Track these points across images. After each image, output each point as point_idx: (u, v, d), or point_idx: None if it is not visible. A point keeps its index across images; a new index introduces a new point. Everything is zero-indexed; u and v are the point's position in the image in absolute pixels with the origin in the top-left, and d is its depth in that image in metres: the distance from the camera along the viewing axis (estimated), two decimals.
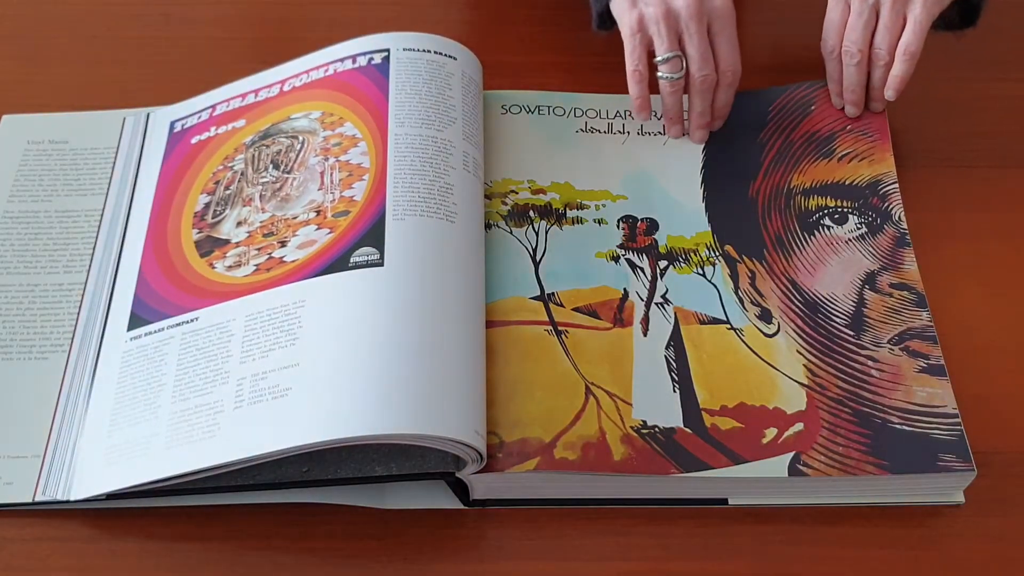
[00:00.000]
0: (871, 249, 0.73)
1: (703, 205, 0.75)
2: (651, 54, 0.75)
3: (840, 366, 0.67)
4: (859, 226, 0.74)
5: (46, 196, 0.76)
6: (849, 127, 0.79)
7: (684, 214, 0.75)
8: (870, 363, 0.67)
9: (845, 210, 0.75)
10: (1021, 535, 0.63)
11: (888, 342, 0.68)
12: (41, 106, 0.82)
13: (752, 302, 0.70)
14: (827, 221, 0.74)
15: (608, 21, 0.78)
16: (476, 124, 0.76)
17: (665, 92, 0.77)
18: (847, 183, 0.76)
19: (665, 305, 0.70)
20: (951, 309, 0.70)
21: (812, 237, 0.73)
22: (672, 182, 0.77)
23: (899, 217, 0.74)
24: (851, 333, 0.69)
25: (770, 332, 0.69)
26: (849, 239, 0.73)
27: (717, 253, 0.73)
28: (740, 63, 0.75)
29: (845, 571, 0.62)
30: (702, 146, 0.79)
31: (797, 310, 0.70)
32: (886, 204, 0.75)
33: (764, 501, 0.64)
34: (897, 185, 0.75)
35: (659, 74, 0.76)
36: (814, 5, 0.79)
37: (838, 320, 0.69)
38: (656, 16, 0.73)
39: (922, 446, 0.63)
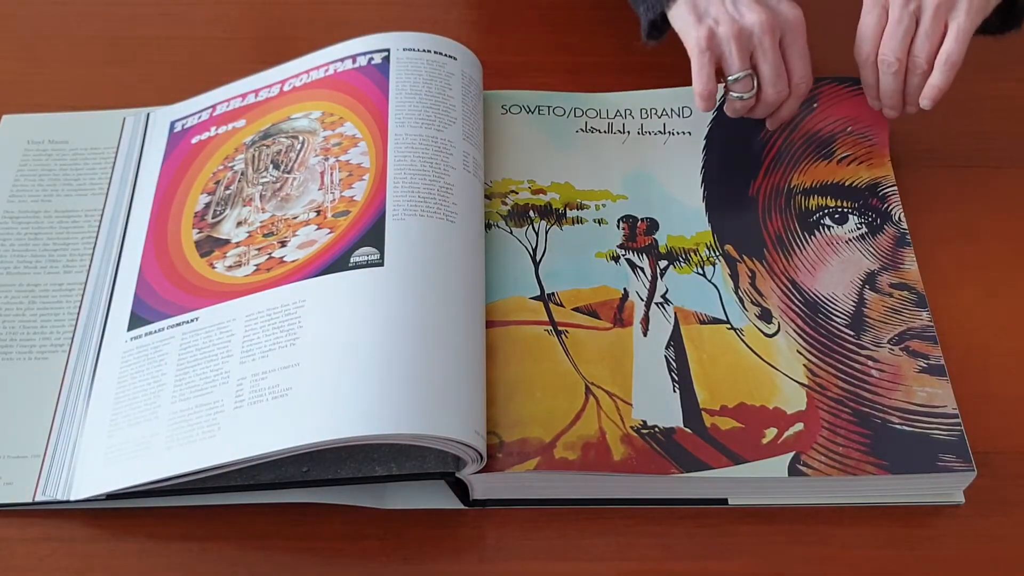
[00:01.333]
0: (871, 249, 0.73)
1: (703, 204, 0.75)
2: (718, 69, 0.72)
3: (840, 366, 0.67)
4: (859, 226, 0.74)
5: (46, 196, 0.76)
6: (850, 128, 0.79)
7: (684, 214, 0.75)
8: (870, 363, 0.67)
9: (845, 210, 0.75)
10: (1021, 535, 0.63)
11: (888, 342, 0.68)
12: (41, 106, 0.82)
13: (752, 302, 0.70)
14: (827, 221, 0.74)
15: (659, 31, 0.74)
16: (476, 124, 0.76)
17: (734, 107, 0.74)
18: (847, 184, 0.76)
19: (665, 305, 0.70)
20: (951, 309, 0.70)
21: (812, 237, 0.74)
22: (672, 181, 0.77)
23: (899, 217, 0.74)
24: (851, 333, 0.69)
25: (770, 332, 0.69)
26: (849, 239, 0.73)
27: (717, 253, 0.73)
28: (811, 73, 0.73)
29: (845, 571, 0.62)
30: (702, 145, 0.79)
31: (797, 310, 0.70)
32: (886, 205, 0.75)
33: (764, 501, 0.64)
34: (896, 188, 0.75)
35: (731, 94, 0.73)
36: (821, 2, 0.78)
37: (838, 320, 0.69)
38: (727, 35, 0.70)
39: (922, 446, 0.63)
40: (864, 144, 0.78)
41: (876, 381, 0.66)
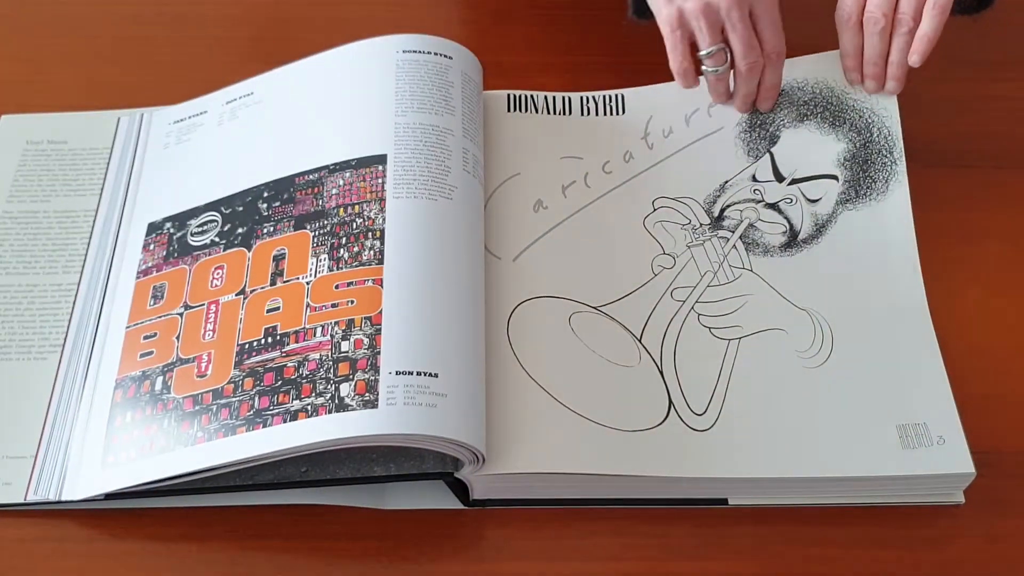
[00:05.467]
0: None
1: None
2: (693, 46, 0.73)
3: None
4: None
5: (45, 196, 0.76)
6: None
7: None
8: None
9: None
10: (1021, 535, 0.63)
11: None
12: (40, 106, 0.82)
13: None
14: None
15: (644, 10, 0.75)
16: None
17: (711, 82, 0.75)
18: None
19: None
20: (952, 309, 0.70)
21: None
22: None
23: None
24: None
25: None
26: None
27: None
28: (784, 42, 0.73)
29: (845, 571, 0.62)
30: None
31: None
32: None
33: (764, 501, 0.64)
34: None
35: (704, 68, 0.74)
36: None
37: None
38: (695, 11, 0.71)
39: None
40: None
41: None
